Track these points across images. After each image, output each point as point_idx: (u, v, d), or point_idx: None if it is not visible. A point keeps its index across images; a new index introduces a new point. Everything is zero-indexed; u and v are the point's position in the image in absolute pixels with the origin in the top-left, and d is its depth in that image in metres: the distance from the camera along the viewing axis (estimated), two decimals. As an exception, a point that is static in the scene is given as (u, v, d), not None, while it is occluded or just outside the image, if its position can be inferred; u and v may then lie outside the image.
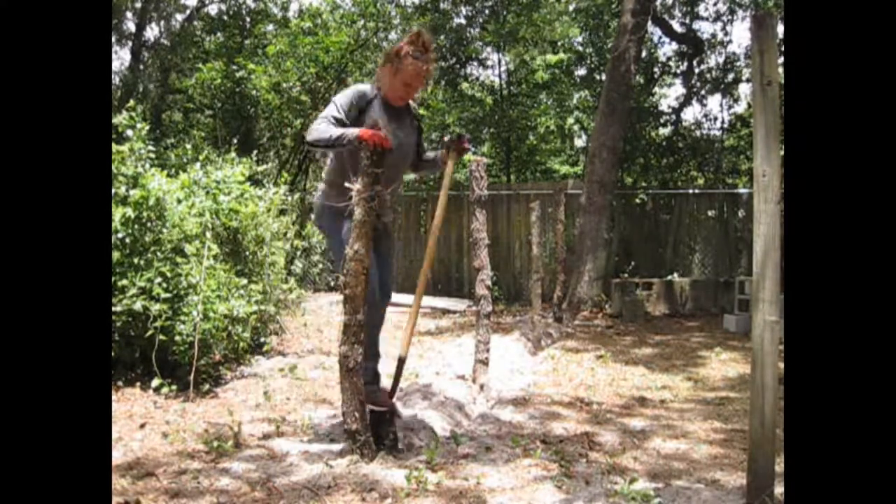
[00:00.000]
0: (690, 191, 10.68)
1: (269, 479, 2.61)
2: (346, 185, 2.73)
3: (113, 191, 4.10)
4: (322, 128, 2.88)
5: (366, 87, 3.05)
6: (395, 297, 11.60)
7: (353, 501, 2.39)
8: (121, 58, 15.73)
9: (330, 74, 11.72)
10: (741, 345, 6.22)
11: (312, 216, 3.25)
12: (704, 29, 14.88)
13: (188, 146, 8.06)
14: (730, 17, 12.03)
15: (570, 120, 13.46)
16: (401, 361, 3.16)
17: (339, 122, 2.90)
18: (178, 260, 4.24)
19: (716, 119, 12.41)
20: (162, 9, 14.52)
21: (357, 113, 2.96)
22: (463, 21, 12.50)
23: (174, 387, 3.98)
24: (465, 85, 13.23)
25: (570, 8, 12.83)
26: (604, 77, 10.24)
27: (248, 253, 5.33)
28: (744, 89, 12.23)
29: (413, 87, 3.05)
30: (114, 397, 3.83)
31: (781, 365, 2.18)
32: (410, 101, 3.19)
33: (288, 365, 4.85)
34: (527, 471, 2.77)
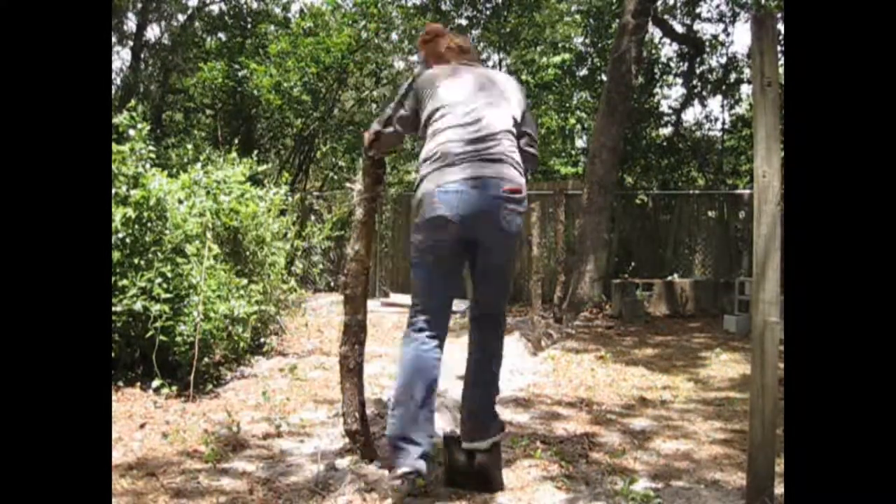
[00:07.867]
0: (691, 191, 10.67)
1: (269, 479, 2.61)
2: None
3: (113, 191, 4.10)
4: None
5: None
6: (394, 297, 11.50)
7: (354, 501, 2.39)
8: (122, 58, 15.73)
9: (331, 75, 11.73)
10: (741, 345, 6.21)
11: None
12: (706, 30, 14.89)
13: (189, 146, 8.05)
14: (732, 18, 12.04)
15: (572, 120, 13.44)
16: None
17: None
18: (179, 260, 4.24)
19: (716, 120, 12.43)
20: (163, 9, 14.51)
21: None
22: (464, 22, 12.49)
23: (174, 387, 3.98)
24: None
25: (573, 9, 12.80)
26: (605, 77, 10.24)
27: (248, 253, 5.33)
28: (745, 90, 12.23)
29: None
30: (114, 397, 3.84)
31: (781, 366, 2.18)
32: None
33: (288, 365, 4.85)
34: (527, 471, 2.77)
